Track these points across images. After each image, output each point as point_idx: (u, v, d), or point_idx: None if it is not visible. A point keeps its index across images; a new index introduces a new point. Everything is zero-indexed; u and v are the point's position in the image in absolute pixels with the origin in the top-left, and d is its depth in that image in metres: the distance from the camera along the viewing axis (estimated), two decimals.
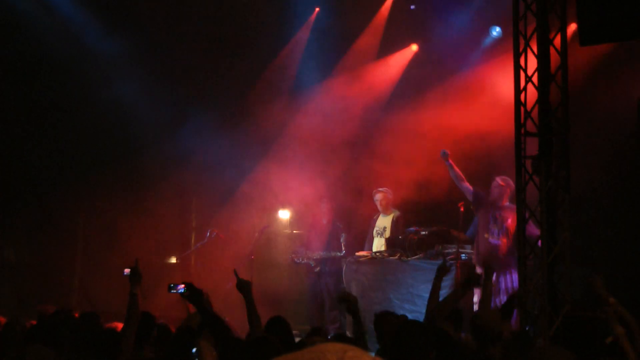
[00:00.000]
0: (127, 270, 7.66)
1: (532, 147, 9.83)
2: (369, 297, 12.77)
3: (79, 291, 15.12)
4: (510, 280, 12.00)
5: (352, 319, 7.22)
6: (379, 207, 14.01)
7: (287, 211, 15.53)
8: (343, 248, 13.98)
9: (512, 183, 11.92)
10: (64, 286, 15.03)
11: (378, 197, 13.95)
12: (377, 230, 13.94)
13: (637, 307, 11.35)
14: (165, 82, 15.34)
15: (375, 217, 14.09)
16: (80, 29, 14.95)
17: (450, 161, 12.50)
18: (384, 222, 13.92)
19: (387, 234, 13.72)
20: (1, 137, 14.80)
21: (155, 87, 15.20)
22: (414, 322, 6.70)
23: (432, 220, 13.56)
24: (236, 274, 7.44)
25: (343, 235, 14.10)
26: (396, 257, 12.95)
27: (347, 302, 7.35)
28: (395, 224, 13.76)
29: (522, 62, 9.94)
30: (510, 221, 12.04)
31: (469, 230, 13.08)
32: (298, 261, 14.37)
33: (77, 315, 9.08)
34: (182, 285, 7.11)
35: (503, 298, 11.74)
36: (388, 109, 15.09)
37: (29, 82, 14.66)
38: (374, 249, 13.73)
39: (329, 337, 8.83)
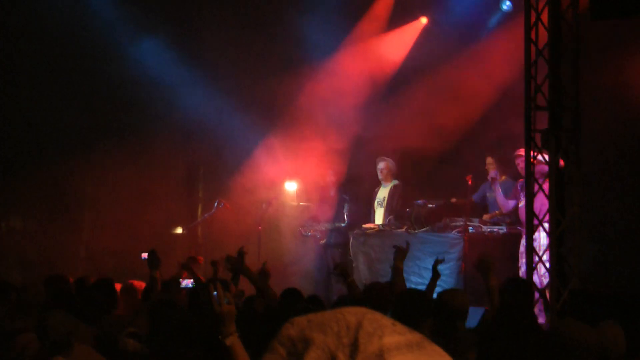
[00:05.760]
0: (144, 255, 7.81)
1: (542, 121, 9.83)
2: (376, 270, 12.80)
3: (87, 260, 15.15)
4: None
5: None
6: (379, 175, 13.99)
7: (294, 183, 15.54)
8: (346, 219, 14.01)
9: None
10: (71, 254, 15.05)
11: (381, 165, 13.93)
12: (377, 202, 13.96)
13: None
14: (174, 53, 15.29)
15: (376, 189, 14.11)
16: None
17: None
18: (383, 192, 13.94)
19: (386, 203, 13.75)
20: (9, 104, 14.78)
21: (164, 57, 15.16)
22: (415, 290, 6.92)
23: (441, 193, 13.58)
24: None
25: (346, 205, 14.12)
26: (403, 230, 12.98)
27: (343, 277, 7.70)
28: (392, 193, 13.76)
29: (533, 36, 9.93)
30: None
31: (476, 194, 13.08)
32: (306, 234, 14.40)
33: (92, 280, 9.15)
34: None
35: None
36: (397, 81, 15.05)
37: (38, 51, 14.62)
38: (376, 220, 13.76)
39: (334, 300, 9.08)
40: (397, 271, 8.32)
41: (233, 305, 4.26)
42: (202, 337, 5.56)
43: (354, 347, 2.14)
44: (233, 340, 4.23)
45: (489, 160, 13.01)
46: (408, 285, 11.95)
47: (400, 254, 8.47)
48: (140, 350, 6.18)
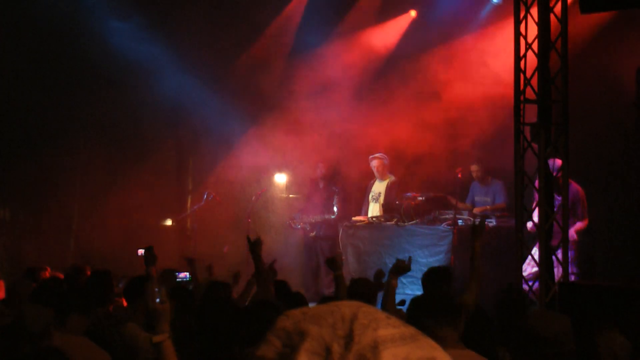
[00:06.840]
0: (140, 252, 7.82)
1: (531, 114, 9.86)
2: (365, 262, 12.84)
3: (76, 251, 15.12)
4: None
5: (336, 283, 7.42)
6: (375, 172, 14.04)
7: (283, 175, 15.55)
8: (335, 211, 14.01)
9: None
10: (60, 246, 15.02)
11: (374, 163, 13.97)
12: (372, 196, 13.98)
13: (636, 272, 11.49)
14: (162, 42, 15.24)
15: (371, 182, 14.12)
16: None
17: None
18: (379, 187, 13.96)
19: (382, 199, 13.77)
20: None
21: (153, 48, 15.10)
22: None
23: (430, 187, 13.61)
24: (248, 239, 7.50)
25: (335, 198, 14.12)
26: (393, 222, 13.01)
27: (332, 269, 7.47)
28: (389, 189, 13.79)
29: (522, 29, 9.96)
30: None
31: (467, 199, 13.21)
32: (296, 226, 14.41)
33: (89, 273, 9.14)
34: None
35: None
36: (385, 75, 15.05)
37: (21, 40, 14.52)
38: (370, 214, 13.78)
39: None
40: (389, 290, 7.15)
41: (167, 304, 4.26)
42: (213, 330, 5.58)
43: (349, 338, 2.16)
44: (162, 339, 4.22)
45: (474, 167, 13.13)
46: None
47: (399, 269, 7.34)
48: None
